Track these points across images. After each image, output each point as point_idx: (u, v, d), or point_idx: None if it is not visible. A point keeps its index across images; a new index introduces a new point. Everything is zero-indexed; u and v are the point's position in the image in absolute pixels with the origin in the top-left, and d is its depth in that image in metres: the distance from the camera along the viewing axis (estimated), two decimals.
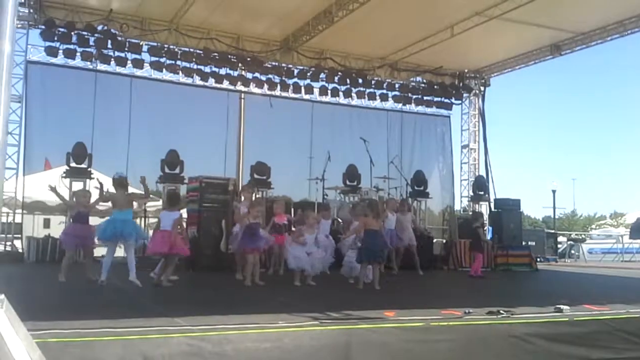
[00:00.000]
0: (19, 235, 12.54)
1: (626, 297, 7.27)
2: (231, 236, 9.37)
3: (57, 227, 16.15)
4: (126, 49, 12.68)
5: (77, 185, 11.68)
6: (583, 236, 25.56)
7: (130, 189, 12.93)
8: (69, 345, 3.83)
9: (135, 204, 8.80)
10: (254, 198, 9.67)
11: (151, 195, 10.91)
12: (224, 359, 4.12)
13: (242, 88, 14.74)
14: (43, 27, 12.14)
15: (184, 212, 9.52)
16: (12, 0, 2.06)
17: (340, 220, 11.79)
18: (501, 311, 5.56)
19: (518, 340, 5.29)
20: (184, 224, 8.81)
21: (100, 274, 7.28)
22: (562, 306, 6.08)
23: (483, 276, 10.59)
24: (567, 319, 5.72)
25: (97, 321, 4.39)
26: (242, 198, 9.57)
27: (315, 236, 8.52)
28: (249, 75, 14.26)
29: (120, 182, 7.91)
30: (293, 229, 9.37)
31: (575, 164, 75.24)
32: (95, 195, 8.30)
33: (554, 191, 33.07)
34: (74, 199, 8.60)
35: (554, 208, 33.56)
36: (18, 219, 12.65)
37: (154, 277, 7.74)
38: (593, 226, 45.13)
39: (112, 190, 8.02)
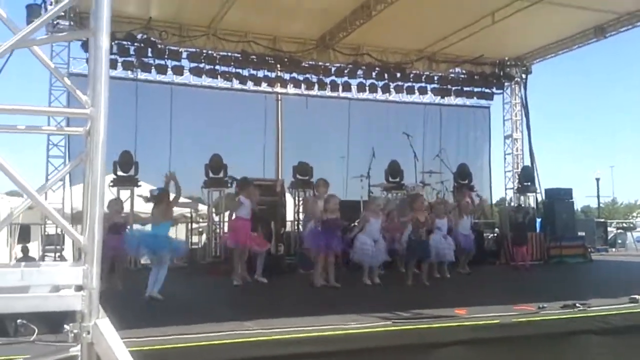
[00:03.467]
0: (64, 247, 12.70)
1: None
2: (304, 231, 9.12)
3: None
4: (166, 56, 12.72)
5: (125, 194, 11.81)
6: (628, 224, 24.73)
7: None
8: (146, 356, 3.78)
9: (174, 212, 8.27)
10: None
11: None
12: None
13: (280, 89, 14.69)
14: (84, 38, 12.27)
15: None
16: None
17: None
18: (577, 304, 5.35)
19: (598, 335, 5.08)
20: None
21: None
22: (637, 296, 5.84)
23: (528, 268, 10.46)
24: None
25: (166, 328, 4.34)
26: (317, 193, 9.04)
27: (380, 222, 8.21)
28: (287, 76, 14.19)
29: (155, 199, 7.45)
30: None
31: (614, 151, 73.18)
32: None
33: (597, 179, 32.08)
34: (107, 209, 8.05)
35: (598, 197, 32.57)
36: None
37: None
38: (634, 214, 43.94)
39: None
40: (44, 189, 2.38)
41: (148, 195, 8.01)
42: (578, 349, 5.00)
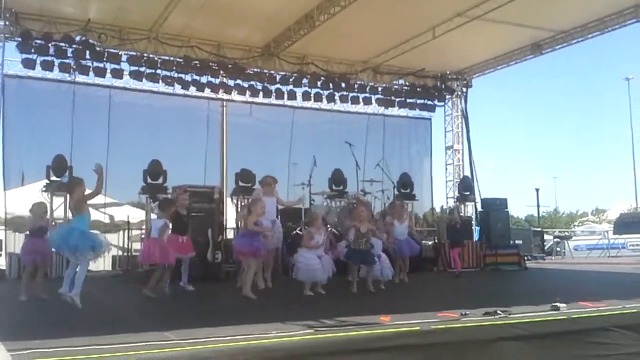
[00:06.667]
0: (0, 252, 12.26)
1: (619, 293, 7.25)
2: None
3: None
4: (105, 59, 12.45)
5: (58, 199, 11.43)
6: (568, 233, 25.70)
7: (107, 199, 12.56)
8: None
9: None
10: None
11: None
12: None
13: (224, 96, 14.60)
14: (19, 39, 11.90)
15: None
16: None
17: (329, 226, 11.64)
18: (498, 311, 5.48)
19: (517, 341, 5.20)
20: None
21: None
22: (558, 304, 6.01)
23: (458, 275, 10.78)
24: (565, 317, 5.65)
25: (83, 338, 4.21)
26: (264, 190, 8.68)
27: (324, 238, 7.92)
28: (231, 83, 14.10)
29: (64, 187, 7.17)
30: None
31: (556, 162, 76.09)
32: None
33: (537, 190, 33.26)
34: (30, 213, 7.83)
35: (538, 206, 33.75)
36: None
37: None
38: (576, 223, 45.45)
39: None
40: None
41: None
42: (498, 355, 5.08)
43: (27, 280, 7.43)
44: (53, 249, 7.09)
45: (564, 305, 5.98)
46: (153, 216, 11.43)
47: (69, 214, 10.99)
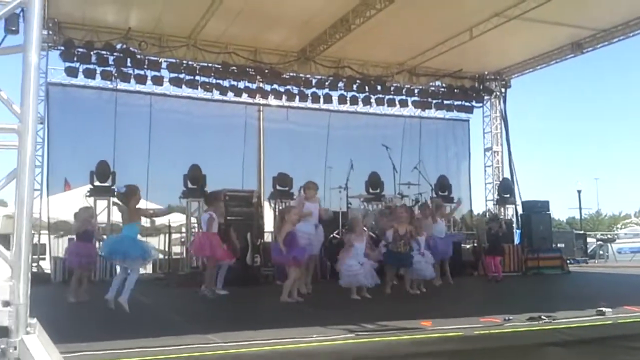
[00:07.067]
0: (44, 256, 12.62)
1: None
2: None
3: None
4: (145, 66, 12.70)
5: (102, 204, 11.75)
6: (611, 236, 24.99)
7: (149, 204, 12.90)
8: None
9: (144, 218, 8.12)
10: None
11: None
12: None
13: (261, 100, 14.73)
14: (62, 47, 12.24)
15: None
16: (38, 11, 1.98)
17: (365, 229, 11.59)
18: (542, 317, 5.38)
19: (561, 347, 5.10)
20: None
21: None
22: (603, 309, 5.87)
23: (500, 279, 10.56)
24: (610, 322, 5.53)
25: (129, 341, 4.31)
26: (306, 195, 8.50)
27: (364, 244, 8.03)
28: (267, 87, 14.23)
29: (120, 196, 7.32)
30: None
31: (598, 163, 74.03)
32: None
33: (579, 191, 32.42)
34: (77, 218, 8.19)
35: (580, 209, 32.91)
36: (43, 240, 12.72)
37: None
38: (619, 225, 44.34)
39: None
40: None
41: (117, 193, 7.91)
42: None
43: (76, 283, 7.65)
44: (101, 254, 7.30)
45: (610, 309, 5.84)
46: (193, 220, 11.65)
47: (113, 218, 11.47)
